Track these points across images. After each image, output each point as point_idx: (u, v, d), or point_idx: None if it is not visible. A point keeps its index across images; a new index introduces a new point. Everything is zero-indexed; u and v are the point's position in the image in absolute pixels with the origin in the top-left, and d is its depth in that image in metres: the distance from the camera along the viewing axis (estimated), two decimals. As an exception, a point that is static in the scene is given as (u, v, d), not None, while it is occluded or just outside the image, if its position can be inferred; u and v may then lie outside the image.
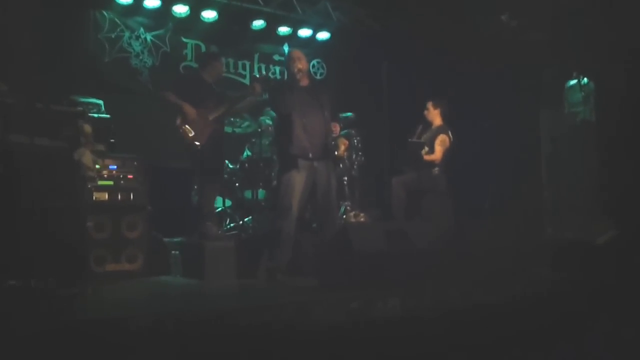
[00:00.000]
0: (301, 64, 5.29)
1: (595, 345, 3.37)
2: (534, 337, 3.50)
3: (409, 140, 6.53)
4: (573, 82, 7.83)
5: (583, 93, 7.71)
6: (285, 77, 5.66)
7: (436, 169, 6.38)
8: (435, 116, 6.63)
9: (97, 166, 5.49)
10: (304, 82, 5.34)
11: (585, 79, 7.68)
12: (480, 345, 3.40)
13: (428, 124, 6.66)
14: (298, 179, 5.10)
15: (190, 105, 5.76)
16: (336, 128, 5.49)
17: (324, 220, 5.31)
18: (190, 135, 5.72)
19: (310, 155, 5.17)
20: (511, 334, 3.55)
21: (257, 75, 8.07)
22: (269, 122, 6.60)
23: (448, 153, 6.43)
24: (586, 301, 4.15)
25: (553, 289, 4.53)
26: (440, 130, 6.53)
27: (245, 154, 6.89)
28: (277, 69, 8.30)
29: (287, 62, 5.38)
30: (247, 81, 8.07)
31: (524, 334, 3.53)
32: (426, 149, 6.41)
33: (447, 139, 6.44)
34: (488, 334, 3.56)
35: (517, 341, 3.43)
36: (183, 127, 5.75)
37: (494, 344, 3.40)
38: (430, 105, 6.64)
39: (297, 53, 5.42)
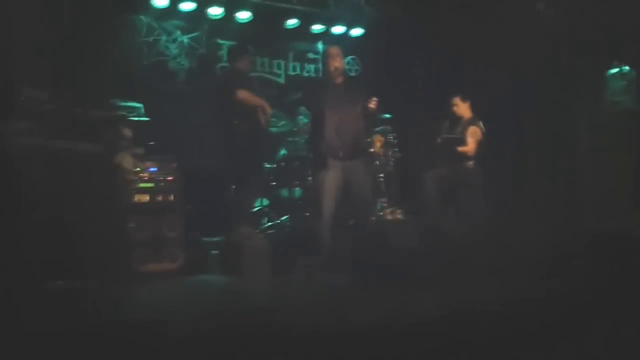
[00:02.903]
0: (338, 62, 5.27)
1: (595, 345, 3.32)
2: (534, 337, 3.45)
3: (443, 136, 6.50)
4: (614, 70, 7.66)
5: (625, 82, 7.54)
6: (321, 74, 5.65)
7: (470, 162, 6.34)
8: (464, 109, 6.59)
9: (138, 169, 5.63)
10: (339, 80, 5.33)
11: (627, 67, 7.50)
12: (480, 345, 3.37)
13: (457, 119, 6.62)
14: (329, 179, 5.10)
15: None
16: (374, 104, 5.26)
17: (359, 219, 5.32)
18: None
19: (341, 154, 5.15)
20: (511, 333, 3.50)
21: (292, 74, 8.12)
22: (305, 120, 6.65)
23: (481, 145, 6.38)
24: (586, 301, 4.07)
25: (553, 289, 4.45)
26: (470, 122, 6.48)
27: (281, 152, 6.95)
28: (312, 67, 8.33)
29: (324, 59, 5.38)
30: (282, 80, 8.13)
31: (524, 334, 3.48)
32: (459, 142, 6.38)
33: (478, 131, 6.40)
34: (488, 334, 3.53)
35: (517, 341, 3.39)
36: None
37: (494, 344, 3.37)
38: (457, 100, 6.61)
39: (335, 50, 5.40)
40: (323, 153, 5.16)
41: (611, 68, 7.66)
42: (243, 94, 5.74)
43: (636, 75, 7.42)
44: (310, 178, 6.33)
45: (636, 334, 3.45)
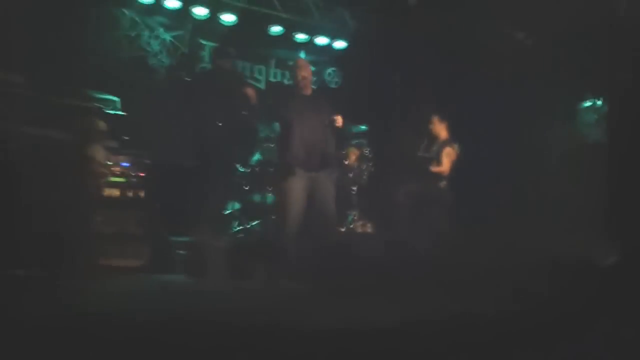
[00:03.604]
0: (304, 72, 5.28)
1: (595, 345, 3.34)
2: (534, 337, 3.47)
3: (418, 154, 6.57)
4: (588, 100, 7.77)
5: (596, 115, 7.67)
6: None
7: (443, 181, 6.43)
8: (442, 129, 6.68)
9: (110, 162, 5.59)
10: (307, 90, 5.33)
11: (600, 100, 7.63)
12: (480, 345, 3.38)
13: (434, 138, 6.70)
14: (294, 189, 5.03)
15: None
16: (339, 119, 5.23)
17: (324, 229, 5.26)
18: None
19: (307, 166, 5.09)
20: (511, 334, 3.52)
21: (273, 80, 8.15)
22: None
23: (454, 165, 6.47)
24: (586, 301, 4.11)
25: (553, 289, 4.49)
26: (447, 142, 6.57)
27: (256, 157, 6.95)
28: (293, 75, 8.34)
29: (293, 70, 5.42)
30: (262, 85, 8.14)
31: (524, 334, 3.50)
32: (434, 162, 6.45)
33: (453, 152, 6.49)
34: (488, 334, 3.55)
35: (517, 341, 3.41)
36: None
37: (494, 344, 3.38)
38: (436, 119, 6.69)
39: (301, 61, 5.48)
40: (289, 163, 5.12)
41: (584, 101, 7.79)
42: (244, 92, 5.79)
43: (607, 108, 7.56)
44: (278, 186, 6.33)
45: (636, 334, 3.47)
